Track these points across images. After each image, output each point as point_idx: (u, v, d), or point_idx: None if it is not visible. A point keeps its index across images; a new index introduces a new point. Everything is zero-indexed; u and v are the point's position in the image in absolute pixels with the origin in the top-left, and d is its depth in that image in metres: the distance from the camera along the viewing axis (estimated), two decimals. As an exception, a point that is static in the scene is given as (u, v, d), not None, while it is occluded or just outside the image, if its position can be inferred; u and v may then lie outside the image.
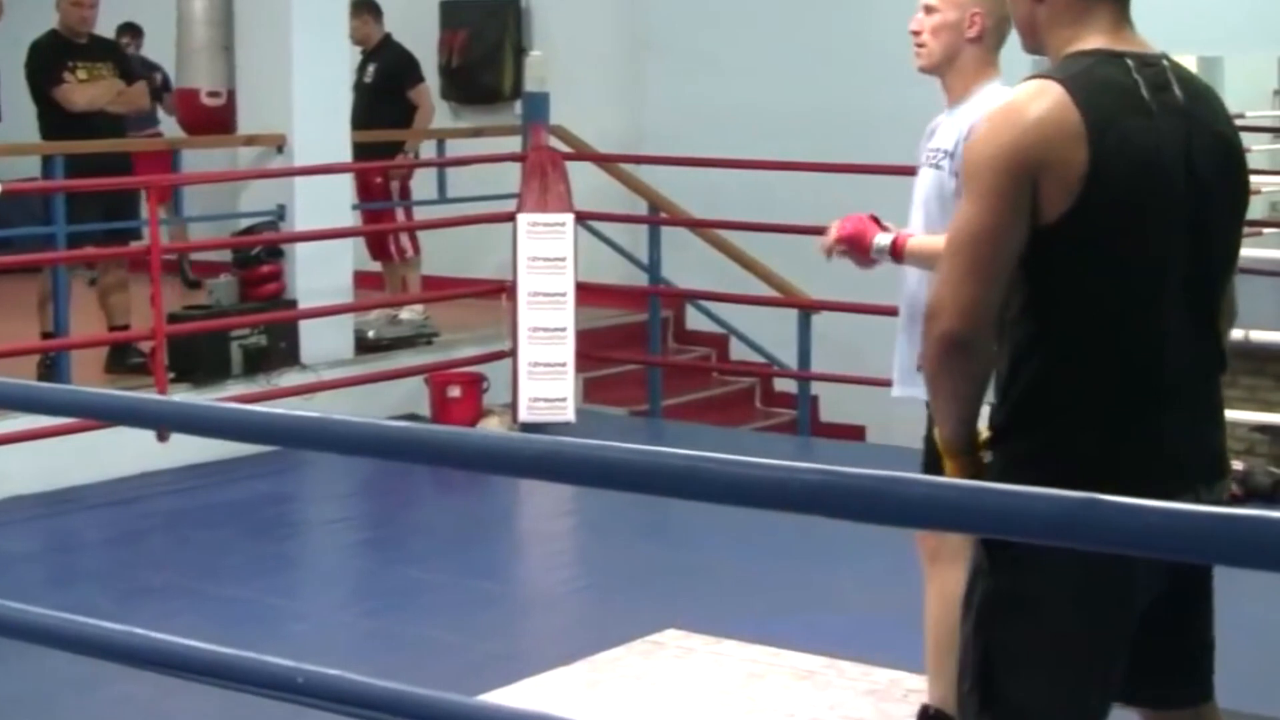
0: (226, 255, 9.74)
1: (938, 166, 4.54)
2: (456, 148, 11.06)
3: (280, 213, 9.40)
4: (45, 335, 8.82)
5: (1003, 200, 3.03)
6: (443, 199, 10.83)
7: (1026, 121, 3.03)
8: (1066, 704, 3.15)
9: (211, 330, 8.87)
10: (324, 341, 9.38)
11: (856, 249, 4.64)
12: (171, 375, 8.49)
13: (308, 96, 9.42)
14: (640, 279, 10.65)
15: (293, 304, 9.29)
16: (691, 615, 6.00)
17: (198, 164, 10.74)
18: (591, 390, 10.32)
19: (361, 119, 10.13)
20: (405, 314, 10.28)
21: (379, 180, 10.45)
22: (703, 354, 11.81)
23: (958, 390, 3.16)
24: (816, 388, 10.44)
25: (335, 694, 2.96)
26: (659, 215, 10.59)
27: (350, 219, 9.89)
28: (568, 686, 5.38)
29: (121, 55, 9.68)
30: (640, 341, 10.67)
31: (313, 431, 2.82)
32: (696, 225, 10.71)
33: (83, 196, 8.73)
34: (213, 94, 9.76)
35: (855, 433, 10.82)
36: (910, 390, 4.58)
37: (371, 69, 10.55)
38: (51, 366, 8.54)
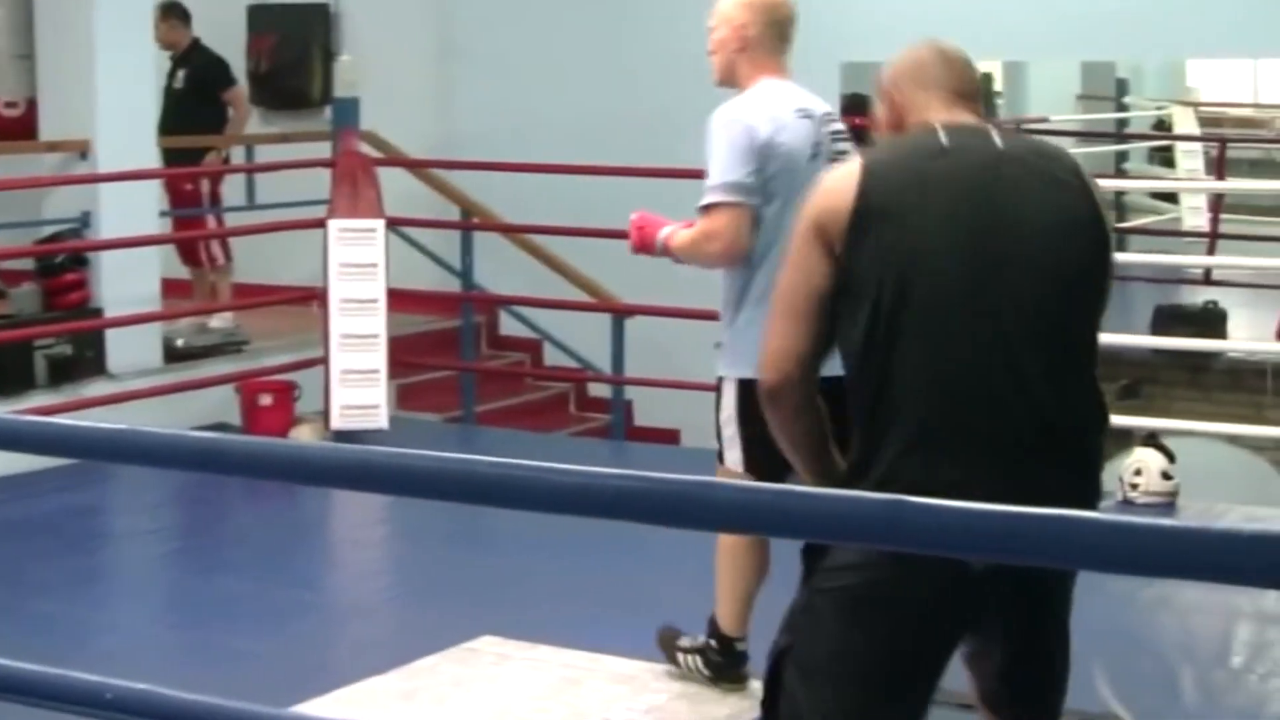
0: (29, 264, 9.57)
1: None
2: (266, 153, 10.95)
3: (85, 220, 9.25)
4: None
5: (797, 257, 3.33)
6: (252, 205, 10.73)
7: (818, 187, 3.38)
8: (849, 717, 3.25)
9: (14, 340, 8.70)
10: (132, 350, 9.24)
11: (644, 248, 5.09)
12: (-28, 386, 8.32)
13: (112, 102, 9.27)
14: (453, 284, 10.62)
15: (99, 312, 9.15)
16: (507, 622, 5.99)
17: (-1, 170, 10.53)
18: (405, 397, 10.27)
19: (172, 125, 10.00)
20: (215, 322, 10.16)
21: (189, 186, 10.31)
22: (517, 359, 11.80)
23: (791, 438, 3.38)
24: (630, 392, 10.48)
25: (144, 708, 2.92)
26: (471, 220, 10.58)
27: (157, 226, 9.75)
28: (382, 696, 5.35)
29: None
30: (453, 347, 10.65)
31: (118, 443, 2.78)
32: (508, 230, 10.71)
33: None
34: (10, 104, 9.58)
35: (669, 436, 10.86)
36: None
37: (181, 74, 10.41)
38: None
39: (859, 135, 12.38)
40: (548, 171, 10.39)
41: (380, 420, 9.11)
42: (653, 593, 6.41)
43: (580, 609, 6.25)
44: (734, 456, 5.10)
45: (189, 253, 10.40)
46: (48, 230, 9.43)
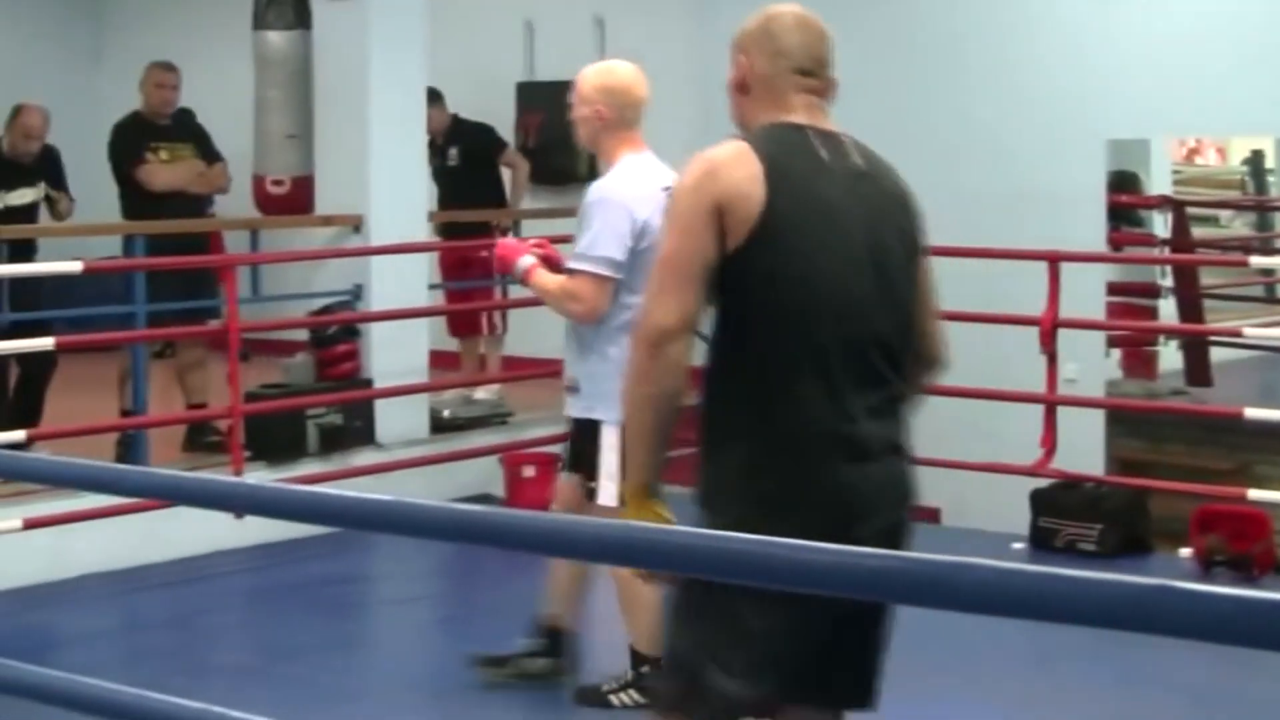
0: (304, 334, 9.81)
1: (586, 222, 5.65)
2: (533, 228, 11.10)
3: (357, 292, 9.46)
4: (124, 413, 8.90)
5: (691, 230, 3.55)
6: (513, 279, 10.87)
7: (713, 166, 3.58)
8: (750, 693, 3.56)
9: (288, 409, 8.92)
10: (399, 420, 9.42)
11: (504, 269, 5.85)
12: (248, 453, 8.52)
13: (384, 178, 9.50)
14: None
15: (368, 383, 9.34)
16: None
17: (275, 244, 10.84)
18: (666, 470, 10.28)
19: (451, 202, 10.27)
20: (481, 393, 10.31)
21: (482, 255, 10.54)
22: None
23: (657, 402, 3.65)
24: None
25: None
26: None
27: (426, 298, 9.93)
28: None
29: (203, 136, 9.81)
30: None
31: (382, 514, 2.83)
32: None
33: (162, 275, 8.83)
34: (276, 182, 9.83)
35: (930, 515, 10.73)
36: (567, 410, 5.79)
37: (454, 151, 10.63)
38: (129, 444, 8.61)
39: (1125, 214, 12.24)
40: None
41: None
42: (908, 671, 6.33)
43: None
44: (612, 491, 5.56)
45: (466, 321, 10.58)
46: (321, 302, 9.67)
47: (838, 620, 3.60)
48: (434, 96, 10.54)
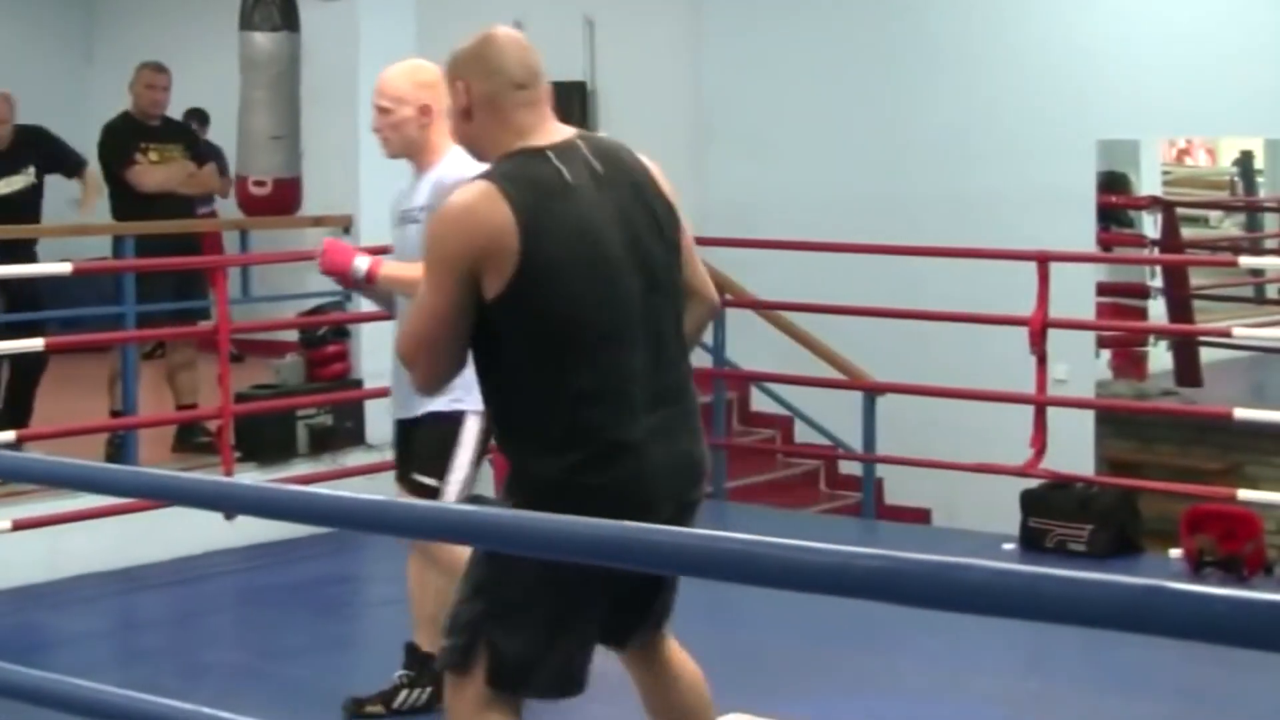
0: (293, 335, 9.81)
1: (417, 220, 5.38)
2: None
3: (347, 293, 9.44)
4: (114, 413, 8.89)
5: (449, 291, 3.72)
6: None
7: (466, 224, 3.71)
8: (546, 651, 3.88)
9: (278, 410, 8.92)
10: (389, 421, 9.38)
11: (337, 272, 5.39)
12: (238, 454, 8.53)
13: (374, 179, 9.48)
14: (704, 361, 10.66)
15: (358, 384, 9.34)
16: (754, 699, 5.96)
17: (263, 245, 10.83)
18: (656, 472, 10.30)
19: None
20: None
21: None
22: (767, 436, 11.80)
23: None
24: (881, 470, 10.41)
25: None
26: (723, 297, 10.59)
27: (416, 300, 9.92)
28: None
29: (192, 138, 9.80)
30: (705, 423, 10.67)
31: (374, 514, 2.84)
32: (760, 307, 10.72)
33: (152, 276, 8.82)
34: (258, 183, 9.81)
35: (920, 515, 10.78)
36: (402, 413, 5.66)
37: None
38: (120, 445, 8.61)
39: (1114, 214, 12.27)
40: (798, 249, 10.40)
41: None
42: (898, 673, 6.35)
43: (825, 687, 6.20)
44: (455, 493, 5.54)
45: None
46: (311, 303, 9.66)
47: (616, 598, 3.98)
48: None
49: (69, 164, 9.21)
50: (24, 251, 8.84)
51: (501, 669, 3.84)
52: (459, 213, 3.74)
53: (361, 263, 5.36)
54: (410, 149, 5.55)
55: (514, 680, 3.89)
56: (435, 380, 3.90)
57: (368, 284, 5.43)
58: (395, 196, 5.70)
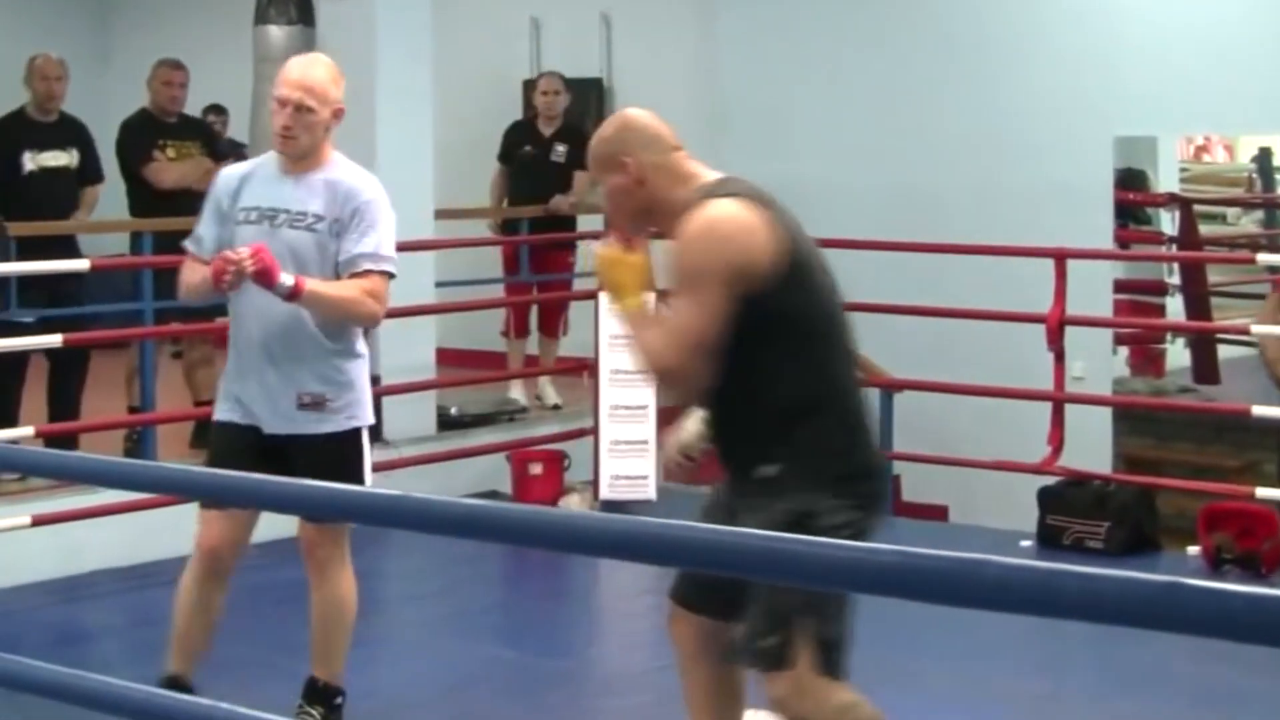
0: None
1: (313, 230, 5.28)
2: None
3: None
4: (132, 410, 8.90)
5: (713, 304, 4.04)
6: (527, 277, 10.89)
7: (731, 237, 4.07)
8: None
9: (295, 406, 8.92)
10: (406, 418, 9.42)
11: (265, 281, 5.12)
12: (255, 451, 8.53)
13: (390, 175, 9.46)
14: (721, 357, 10.64)
15: (375, 380, 9.33)
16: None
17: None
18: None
19: (543, 196, 10.42)
20: (549, 390, 10.50)
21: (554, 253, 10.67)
22: (784, 432, 11.79)
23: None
24: (898, 467, 10.39)
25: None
26: (740, 293, 10.59)
27: (433, 296, 9.93)
28: (646, 766, 5.36)
29: (210, 134, 9.80)
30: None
31: (390, 509, 2.84)
32: (778, 304, 10.70)
33: (170, 272, 8.81)
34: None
35: (938, 512, 10.76)
36: (280, 426, 5.31)
37: (562, 149, 10.70)
38: (138, 441, 8.62)
39: (1132, 211, 12.25)
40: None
41: (648, 491, 9.17)
42: (913, 670, 6.34)
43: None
44: None
45: (550, 321, 10.65)
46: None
47: None
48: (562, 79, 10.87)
49: (90, 172, 9.18)
50: (66, 245, 8.82)
51: (827, 654, 4.10)
52: (721, 227, 4.08)
53: (287, 277, 5.13)
54: (310, 151, 5.36)
55: (837, 664, 4.14)
56: (694, 391, 4.22)
57: (292, 298, 5.16)
58: (243, 192, 5.36)
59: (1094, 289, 10.06)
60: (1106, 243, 10.84)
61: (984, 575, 2.15)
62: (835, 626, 4.14)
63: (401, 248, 9.28)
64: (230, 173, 5.49)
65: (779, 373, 4.15)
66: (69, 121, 9.04)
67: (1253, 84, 10.21)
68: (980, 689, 6.14)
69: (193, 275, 5.38)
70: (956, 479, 10.35)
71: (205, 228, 5.41)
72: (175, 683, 5.32)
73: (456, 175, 10.85)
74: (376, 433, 9.21)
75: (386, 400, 9.30)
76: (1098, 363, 10.52)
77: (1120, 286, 11.20)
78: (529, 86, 12.63)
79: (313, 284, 5.20)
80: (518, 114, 12.30)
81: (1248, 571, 7.79)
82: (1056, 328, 8.57)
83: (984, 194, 10.91)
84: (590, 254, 4.68)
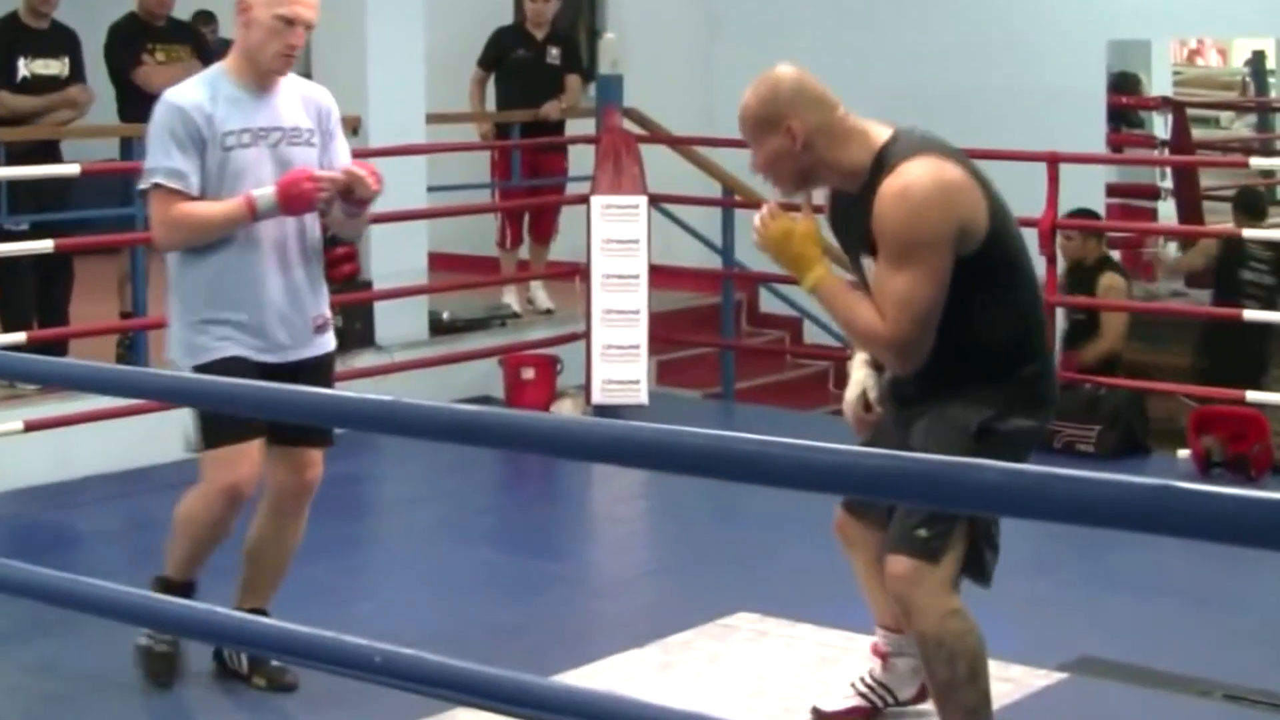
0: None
1: (310, 144, 5.13)
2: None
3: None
4: (124, 315, 8.89)
5: (943, 270, 4.09)
6: (518, 181, 10.87)
7: (948, 197, 4.10)
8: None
9: (287, 311, 8.92)
10: (399, 323, 9.43)
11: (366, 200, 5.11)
12: (248, 356, 8.53)
13: (382, 80, 9.46)
14: (714, 262, 10.65)
15: (368, 285, 9.34)
16: (764, 598, 6.01)
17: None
18: (665, 373, 10.33)
19: (537, 101, 10.34)
20: (540, 294, 10.47)
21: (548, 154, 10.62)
22: (776, 337, 11.81)
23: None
24: (889, 372, 10.42)
25: (412, 674, 2.98)
26: (733, 197, 10.58)
27: (425, 200, 9.91)
28: (639, 668, 5.40)
29: (199, 38, 9.73)
30: (713, 324, 10.69)
31: (383, 415, 2.85)
32: (770, 208, 10.69)
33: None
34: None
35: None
36: (307, 352, 5.18)
37: (556, 52, 10.65)
38: (130, 347, 8.62)
39: (1124, 115, 12.22)
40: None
41: (640, 396, 9.18)
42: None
43: (837, 588, 6.21)
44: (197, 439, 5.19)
45: (543, 227, 10.67)
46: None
47: None
48: None
49: (76, 73, 9.09)
50: (51, 152, 8.78)
51: (973, 553, 4.30)
52: (942, 187, 4.10)
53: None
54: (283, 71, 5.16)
55: (979, 563, 4.36)
56: (925, 354, 4.18)
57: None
58: (217, 117, 5.03)
59: (1086, 193, 10.04)
60: (1099, 146, 10.82)
61: (981, 479, 2.16)
62: (988, 535, 4.33)
63: (393, 152, 9.33)
64: (188, 99, 5.06)
65: (990, 319, 4.23)
66: (61, 28, 8.96)
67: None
68: (976, 591, 6.16)
69: (204, 210, 4.99)
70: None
71: (182, 162, 4.99)
72: (188, 588, 5.24)
73: (447, 80, 10.79)
74: (369, 337, 9.26)
75: (379, 305, 9.31)
76: (1090, 267, 10.52)
77: (1112, 190, 11.19)
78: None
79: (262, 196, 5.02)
80: (508, 19, 12.23)
81: (1237, 475, 7.82)
82: (1048, 231, 8.56)
83: (977, 98, 10.88)
84: (750, 224, 4.49)
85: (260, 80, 5.09)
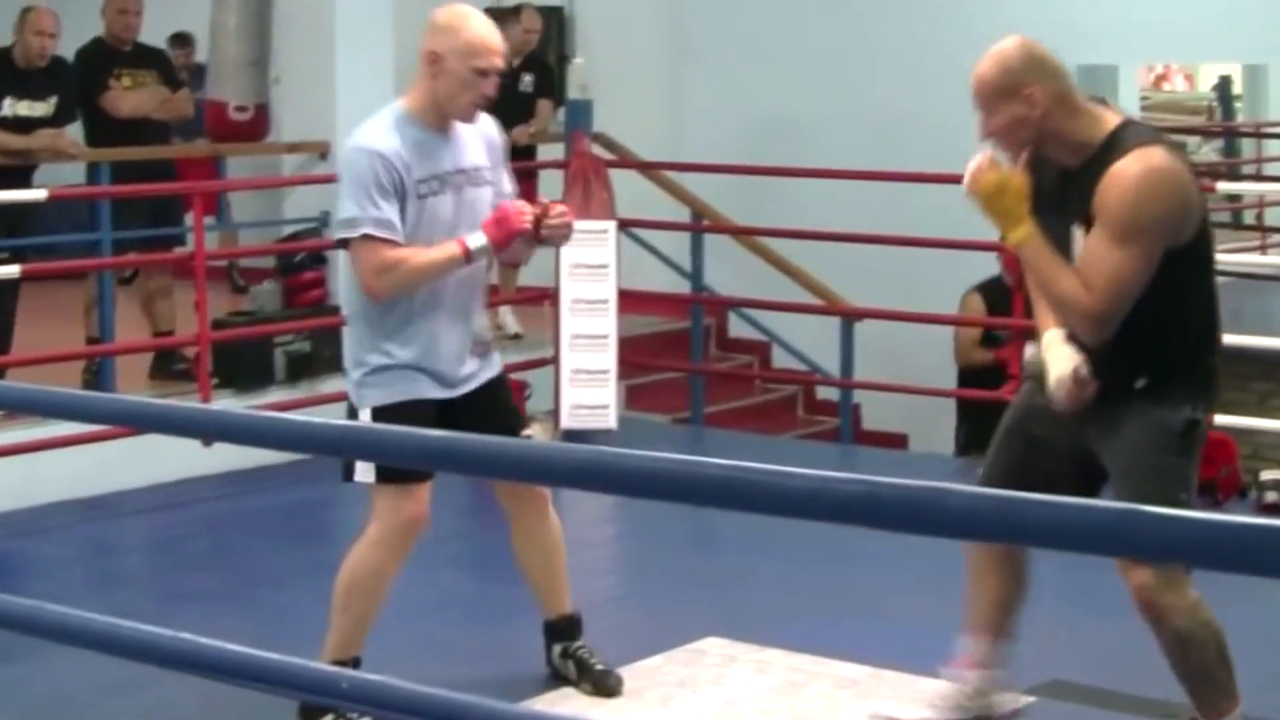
0: (270, 262, 9.78)
1: (489, 182, 5.16)
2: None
3: (324, 219, 9.43)
4: (90, 341, 8.86)
5: (1155, 257, 4.30)
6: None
7: (1176, 189, 4.31)
8: None
9: (255, 337, 8.91)
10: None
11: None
12: (215, 381, 8.52)
13: (351, 103, 9.44)
14: (683, 286, 10.65)
15: (336, 310, 9.31)
16: (733, 623, 5.99)
17: (241, 172, 10.78)
18: (634, 397, 10.33)
19: (508, 127, 10.32)
20: (509, 319, 10.44)
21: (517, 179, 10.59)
22: (745, 362, 11.81)
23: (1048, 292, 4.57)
24: (858, 396, 10.43)
25: (379, 699, 2.97)
26: (701, 222, 10.59)
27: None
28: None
29: (166, 63, 9.71)
30: (682, 349, 10.69)
31: (351, 440, 2.83)
32: (739, 233, 10.71)
33: (128, 203, 8.77)
34: (240, 109, 9.79)
35: (897, 440, 10.80)
36: (480, 376, 5.26)
37: (529, 79, 10.63)
38: (96, 372, 8.59)
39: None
40: (778, 175, 10.39)
41: (609, 420, 9.17)
42: (877, 597, 6.38)
43: (805, 612, 6.23)
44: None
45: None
46: (288, 230, 9.62)
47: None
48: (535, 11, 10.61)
49: (62, 118, 9.01)
50: (23, 178, 8.74)
51: None
52: (1171, 178, 4.30)
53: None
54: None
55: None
56: (1112, 327, 4.38)
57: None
58: (412, 165, 4.99)
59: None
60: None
61: (946, 504, 2.15)
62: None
63: (361, 177, 9.30)
64: (388, 147, 4.99)
65: (1193, 309, 4.51)
66: (55, 69, 8.87)
67: (1212, 13, 10.22)
68: (946, 615, 6.15)
69: (421, 257, 4.96)
70: (916, 407, 10.39)
71: (388, 210, 4.94)
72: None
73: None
74: (337, 362, 9.21)
75: (347, 330, 9.27)
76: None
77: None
78: (491, 15, 12.54)
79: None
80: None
81: (1205, 498, 7.84)
82: (1016, 256, 8.56)
83: (946, 121, 10.88)
84: (967, 170, 4.55)
85: (443, 124, 5.08)
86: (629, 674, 5.51)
